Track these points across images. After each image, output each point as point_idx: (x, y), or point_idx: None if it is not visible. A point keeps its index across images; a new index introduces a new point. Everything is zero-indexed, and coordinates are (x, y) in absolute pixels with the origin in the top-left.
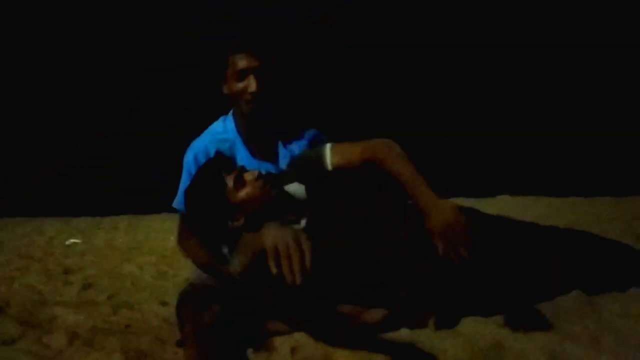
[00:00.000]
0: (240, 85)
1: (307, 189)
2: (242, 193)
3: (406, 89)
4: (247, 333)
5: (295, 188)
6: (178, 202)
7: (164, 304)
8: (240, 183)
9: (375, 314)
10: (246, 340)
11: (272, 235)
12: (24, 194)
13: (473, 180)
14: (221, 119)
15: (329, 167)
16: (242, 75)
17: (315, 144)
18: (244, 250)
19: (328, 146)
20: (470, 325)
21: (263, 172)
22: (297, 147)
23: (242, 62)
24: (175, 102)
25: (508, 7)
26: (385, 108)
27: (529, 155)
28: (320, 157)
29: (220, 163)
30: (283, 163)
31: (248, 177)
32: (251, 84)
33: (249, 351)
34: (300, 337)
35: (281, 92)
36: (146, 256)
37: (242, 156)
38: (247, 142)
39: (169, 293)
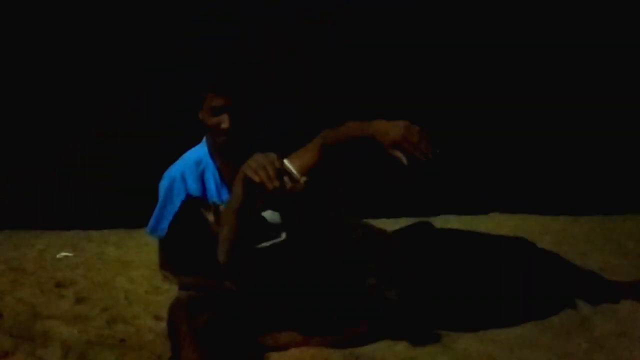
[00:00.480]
0: (214, 120)
1: (280, 212)
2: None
3: (394, 99)
4: (241, 346)
5: (269, 214)
6: (151, 227)
7: (158, 318)
8: (220, 218)
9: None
10: (240, 354)
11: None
12: (11, 206)
13: (465, 197)
14: (195, 147)
15: (299, 177)
16: (216, 112)
17: None
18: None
19: (285, 161)
20: (462, 344)
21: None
22: None
23: (217, 101)
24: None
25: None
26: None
27: (520, 172)
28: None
29: (195, 202)
30: None
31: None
32: (224, 121)
33: None
34: (295, 353)
35: (252, 128)
36: (139, 270)
37: (210, 182)
38: (219, 168)
39: (163, 307)
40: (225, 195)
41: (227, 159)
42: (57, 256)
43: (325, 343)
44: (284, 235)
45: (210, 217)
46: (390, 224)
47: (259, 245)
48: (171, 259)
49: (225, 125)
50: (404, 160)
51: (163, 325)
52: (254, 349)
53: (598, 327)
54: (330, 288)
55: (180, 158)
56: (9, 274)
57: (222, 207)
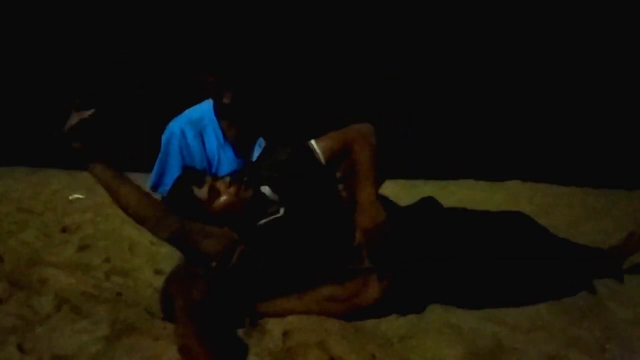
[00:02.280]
0: (216, 93)
1: (279, 189)
2: (219, 202)
3: (417, 65)
4: (237, 313)
5: (268, 191)
6: (153, 183)
7: (158, 272)
8: (215, 193)
9: (369, 296)
10: (236, 321)
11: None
12: (32, 143)
13: (484, 162)
14: (201, 103)
15: (323, 161)
16: (217, 86)
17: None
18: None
19: (313, 142)
20: (470, 323)
21: (232, 175)
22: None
23: (215, 76)
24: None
25: None
26: (392, 85)
27: (544, 138)
28: (310, 153)
29: (190, 178)
30: (257, 150)
31: (221, 185)
32: (226, 96)
33: (240, 332)
34: (293, 321)
35: (256, 99)
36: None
37: (212, 140)
38: (222, 127)
39: (165, 260)
40: (228, 153)
41: (234, 121)
42: (70, 197)
43: (328, 311)
44: (282, 211)
45: (204, 195)
46: (406, 186)
47: (259, 222)
48: None
49: (226, 100)
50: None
51: (162, 280)
52: (251, 321)
53: (613, 313)
54: (329, 262)
55: (182, 113)
56: (17, 215)
57: (219, 183)
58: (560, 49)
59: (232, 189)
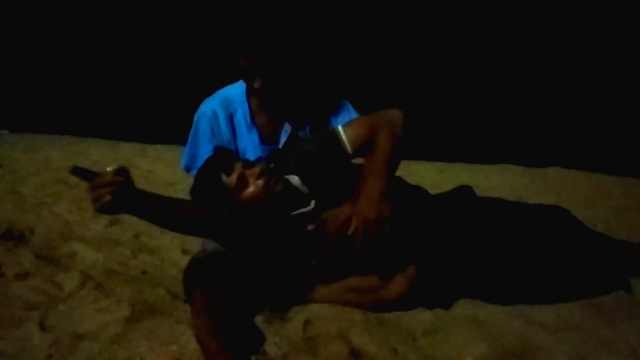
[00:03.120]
0: (248, 78)
1: (309, 181)
2: (247, 193)
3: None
4: (258, 300)
5: (298, 183)
6: (186, 164)
7: (185, 252)
8: (243, 182)
9: (397, 288)
10: (257, 308)
11: None
12: (75, 111)
13: (527, 148)
14: (236, 83)
15: (349, 150)
16: (249, 70)
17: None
18: None
19: (340, 129)
20: (497, 319)
21: (260, 163)
22: (303, 125)
23: (247, 58)
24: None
25: None
26: (431, 69)
27: (587, 125)
28: (337, 142)
29: (219, 163)
30: (284, 137)
31: (250, 175)
32: (257, 81)
33: (260, 320)
34: (315, 310)
35: (289, 84)
36: (180, 195)
37: (240, 123)
38: (252, 109)
39: (194, 240)
40: (254, 139)
41: (264, 106)
42: (107, 169)
43: (352, 302)
44: (313, 204)
45: (232, 183)
46: (443, 168)
47: (289, 214)
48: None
49: (257, 85)
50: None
51: (188, 260)
52: (272, 308)
53: None
54: (361, 254)
55: (216, 92)
56: (53, 186)
57: (248, 173)
58: (601, 35)
59: (260, 182)
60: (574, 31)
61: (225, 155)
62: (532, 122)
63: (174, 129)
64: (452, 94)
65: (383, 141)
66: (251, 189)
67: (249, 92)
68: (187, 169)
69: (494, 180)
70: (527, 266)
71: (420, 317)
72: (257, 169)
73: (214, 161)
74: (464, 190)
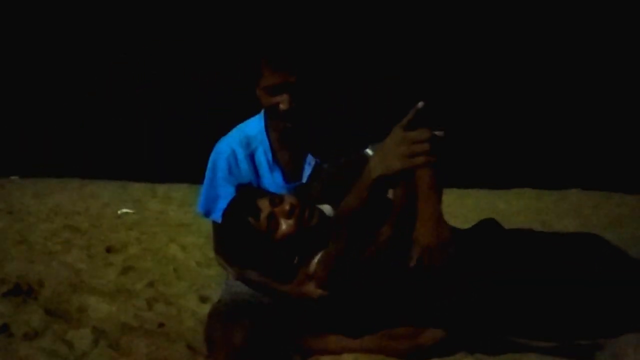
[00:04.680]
0: (273, 100)
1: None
2: (280, 233)
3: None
4: (285, 351)
5: (328, 210)
6: (204, 208)
7: (204, 299)
8: (274, 222)
9: (434, 334)
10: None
11: None
12: (85, 155)
13: (541, 170)
14: (252, 119)
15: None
16: (274, 90)
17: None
18: None
19: (369, 151)
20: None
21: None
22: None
23: (275, 78)
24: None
25: None
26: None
27: (603, 146)
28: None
29: (244, 203)
30: (307, 170)
31: (281, 215)
32: (284, 102)
33: None
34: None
35: (316, 109)
36: (194, 236)
37: (262, 162)
38: (273, 146)
39: (211, 285)
40: (277, 178)
41: (286, 141)
42: (118, 212)
43: (387, 349)
44: None
45: (261, 225)
46: (462, 195)
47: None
48: (227, 248)
49: (284, 106)
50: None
51: (206, 309)
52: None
53: None
54: (398, 292)
55: (233, 129)
56: (64, 233)
57: (278, 212)
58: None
59: (292, 221)
60: (586, 50)
61: (249, 195)
62: (547, 144)
63: (185, 168)
64: (464, 118)
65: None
66: (283, 227)
67: (269, 127)
68: (207, 213)
69: (515, 205)
70: (572, 301)
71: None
72: (286, 206)
73: (238, 204)
74: (490, 225)
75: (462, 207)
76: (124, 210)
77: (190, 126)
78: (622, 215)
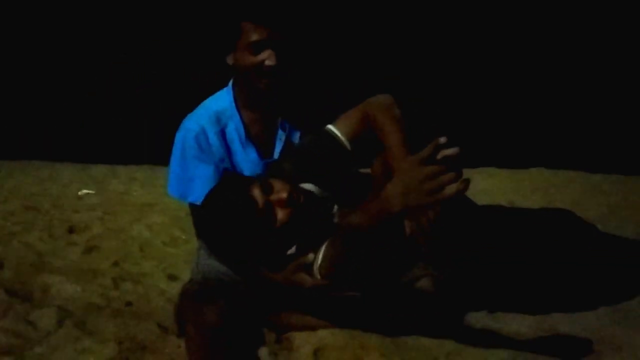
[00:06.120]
0: (255, 59)
1: (326, 186)
2: (279, 222)
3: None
4: (259, 329)
5: (312, 187)
6: (178, 191)
7: (172, 278)
8: (270, 210)
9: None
10: (258, 339)
11: None
12: (43, 136)
13: (506, 149)
14: (218, 94)
15: (348, 146)
16: (257, 47)
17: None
18: None
19: (331, 127)
20: (523, 335)
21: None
22: (293, 131)
23: (258, 33)
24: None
25: None
26: (413, 70)
27: (568, 125)
28: (332, 140)
29: (232, 195)
30: (279, 146)
31: (277, 202)
32: (270, 57)
33: (264, 352)
34: (325, 337)
35: (298, 69)
36: (159, 216)
37: (234, 138)
38: (245, 122)
39: (179, 264)
40: (251, 154)
41: (259, 111)
42: (79, 193)
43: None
44: (336, 209)
45: (260, 213)
46: None
47: (316, 222)
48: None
49: (271, 62)
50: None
51: (176, 287)
52: (277, 338)
53: None
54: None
55: (199, 106)
56: (23, 214)
57: (270, 182)
58: (590, 33)
59: (288, 209)
60: (551, 30)
61: (231, 183)
62: (510, 123)
63: (148, 149)
64: (429, 97)
65: (387, 125)
66: (281, 216)
67: (245, 98)
68: (182, 196)
69: (481, 185)
70: (543, 274)
71: (440, 338)
72: (283, 194)
73: (222, 194)
74: (462, 201)
75: None
76: (85, 191)
77: (149, 108)
78: (586, 193)
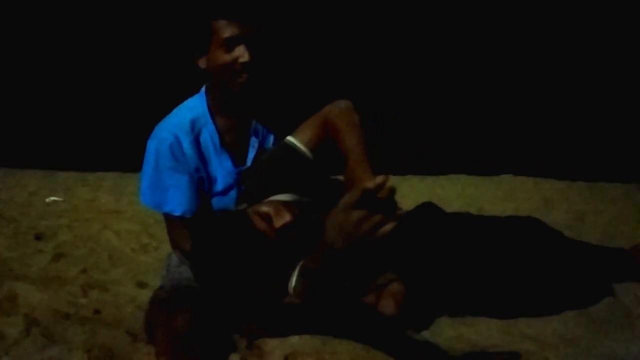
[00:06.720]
0: (228, 56)
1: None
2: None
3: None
4: (230, 336)
5: (289, 197)
6: (147, 198)
7: (142, 285)
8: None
9: (389, 307)
10: (229, 345)
11: None
12: (8, 143)
13: (475, 157)
14: (191, 99)
15: (310, 155)
16: (230, 44)
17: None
18: None
19: (291, 138)
20: (491, 339)
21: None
22: (266, 136)
23: (231, 29)
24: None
25: None
26: (383, 77)
27: (535, 132)
28: (293, 152)
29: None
30: (252, 153)
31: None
32: (243, 54)
33: (235, 358)
34: (296, 343)
35: (272, 67)
36: (128, 223)
37: (208, 146)
38: (218, 128)
39: (149, 271)
40: (225, 162)
41: (233, 117)
42: (46, 200)
43: None
44: (313, 217)
45: (268, 232)
46: (397, 182)
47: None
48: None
49: (245, 58)
50: None
51: (146, 294)
52: (247, 344)
53: None
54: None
55: (172, 113)
56: None
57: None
58: (557, 43)
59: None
60: (527, 44)
61: (227, 222)
62: (480, 131)
63: (117, 156)
64: (399, 105)
65: (346, 132)
66: (290, 235)
67: (218, 102)
68: (157, 206)
69: (451, 191)
70: (510, 279)
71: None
72: (287, 217)
73: (220, 233)
74: (430, 208)
75: (398, 194)
76: (53, 198)
77: (118, 113)
78: (553, 200)
